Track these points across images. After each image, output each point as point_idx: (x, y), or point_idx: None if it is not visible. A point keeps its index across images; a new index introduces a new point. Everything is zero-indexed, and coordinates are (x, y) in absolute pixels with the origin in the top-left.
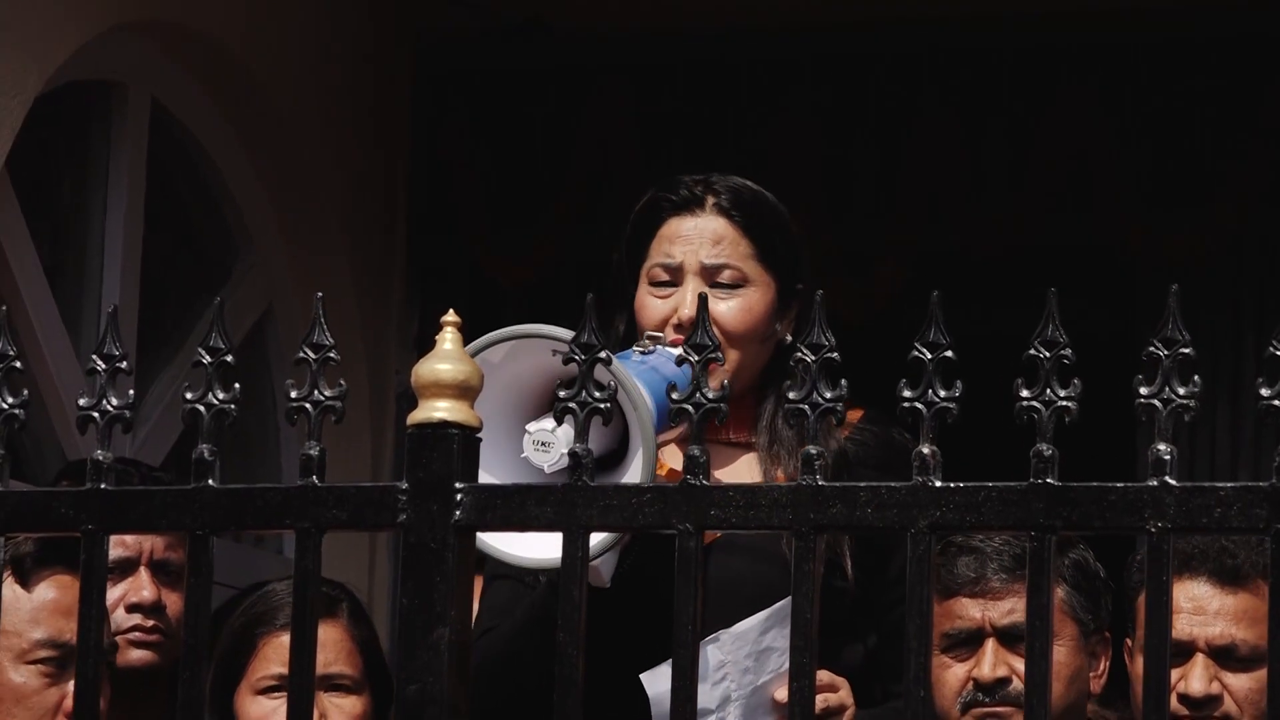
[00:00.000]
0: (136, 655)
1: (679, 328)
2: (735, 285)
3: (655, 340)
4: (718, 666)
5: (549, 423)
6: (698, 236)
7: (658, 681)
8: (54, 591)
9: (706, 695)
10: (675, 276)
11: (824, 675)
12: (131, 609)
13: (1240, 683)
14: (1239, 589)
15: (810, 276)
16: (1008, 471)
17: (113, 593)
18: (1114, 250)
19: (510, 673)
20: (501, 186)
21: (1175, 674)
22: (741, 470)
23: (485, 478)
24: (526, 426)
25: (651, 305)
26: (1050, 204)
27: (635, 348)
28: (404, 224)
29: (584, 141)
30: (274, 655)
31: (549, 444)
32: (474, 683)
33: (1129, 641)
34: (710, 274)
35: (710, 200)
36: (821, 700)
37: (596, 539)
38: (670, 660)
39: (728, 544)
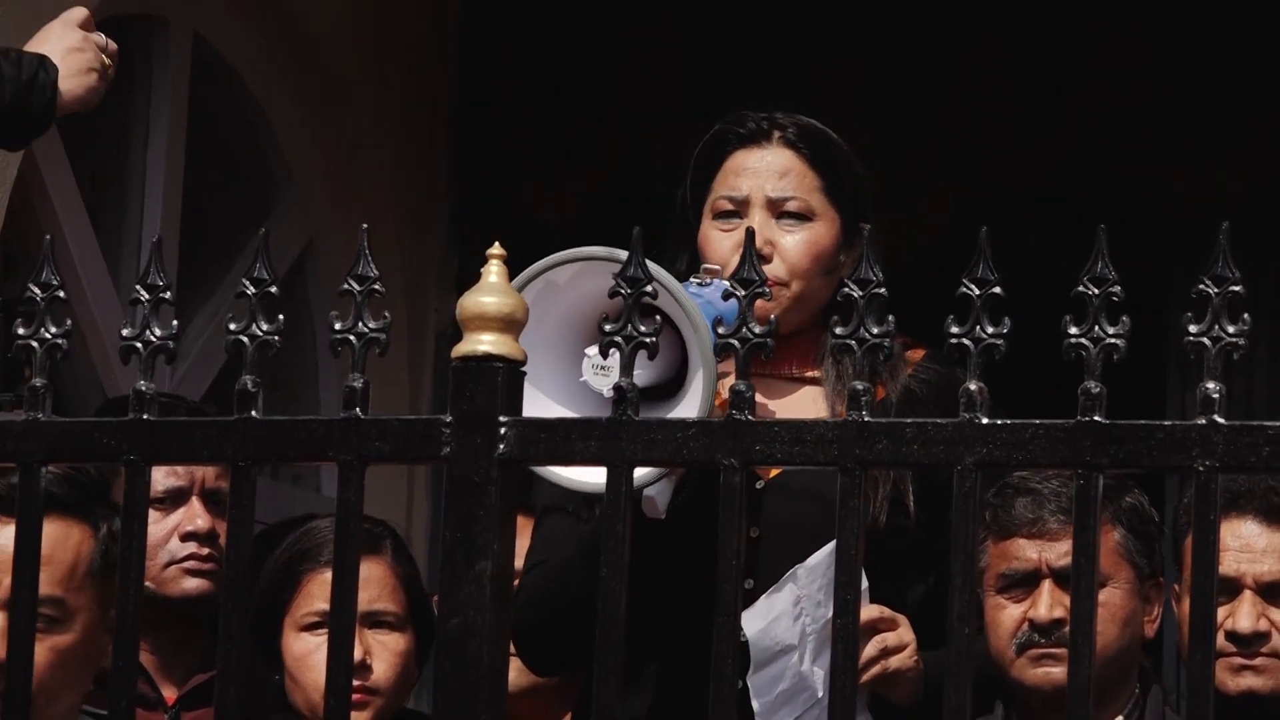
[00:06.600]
0: (193, 584)
1: None
2: (801, 218)
3: (712, 273)
4: (795, 602)
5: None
6: (764, 169)
7: (753, 621)
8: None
9: (788, 631)
10: (741, 209)
11: (881, 610)
12: (186, 538)
13: None
14: None
15: (873, 216)
16: (1051, 414)
17: (166, 522)
18: (1159, 187)
19: (561, 605)
20: (546, 118)
21: (1222, 612)
22: (804, 403)
23: (543, 400)
24: (586, 350)
25: (715, 239)
26: (1097, 140)
27: (693, 279)
28: (445, 160)
29: (629, 72)
30: (318, 592)
31: (609, 368)
32: (525, 615)
33: (1176, 587)
34: (776, 206)
35: (777, 134)
36: (879, 641)
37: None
38: (763, 598)
39: (781, 486)
